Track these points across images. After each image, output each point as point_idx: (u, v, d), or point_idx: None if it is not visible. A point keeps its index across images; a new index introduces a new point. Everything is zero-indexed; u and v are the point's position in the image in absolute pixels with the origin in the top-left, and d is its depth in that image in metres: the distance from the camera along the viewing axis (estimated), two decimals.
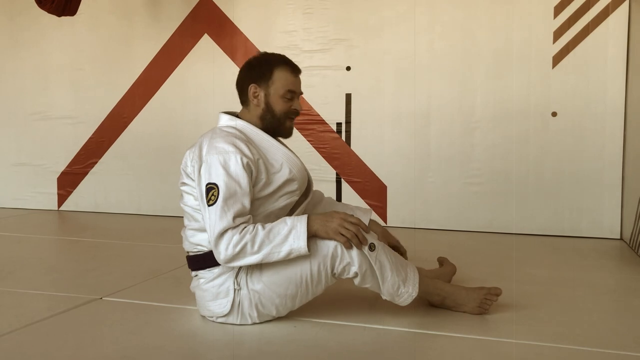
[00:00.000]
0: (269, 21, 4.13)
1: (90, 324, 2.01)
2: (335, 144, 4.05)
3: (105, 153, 4.56)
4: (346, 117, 4.02)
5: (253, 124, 2.04)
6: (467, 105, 3.77)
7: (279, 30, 4.11)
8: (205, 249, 1.97)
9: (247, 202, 1.86)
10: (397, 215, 3.94)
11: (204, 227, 1.92)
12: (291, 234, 1.81)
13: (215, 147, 1.89)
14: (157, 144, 4.39)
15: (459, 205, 3.82)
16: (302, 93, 2.11)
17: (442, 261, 2.50)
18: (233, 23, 4.21)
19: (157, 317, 2.08)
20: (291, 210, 2.12)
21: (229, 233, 1.81)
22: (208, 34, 4.27)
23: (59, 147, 4.66)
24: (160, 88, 4.39)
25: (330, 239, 1.83)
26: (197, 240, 1.98)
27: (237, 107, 2.14)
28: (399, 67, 3.88)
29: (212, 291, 1.95)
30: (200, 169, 1.89)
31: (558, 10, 3.58)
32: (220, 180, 1.84)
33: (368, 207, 2.38)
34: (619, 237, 3.55)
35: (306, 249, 1.81)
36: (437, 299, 2.09)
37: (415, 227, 3.91)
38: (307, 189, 2.19)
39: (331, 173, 4.05)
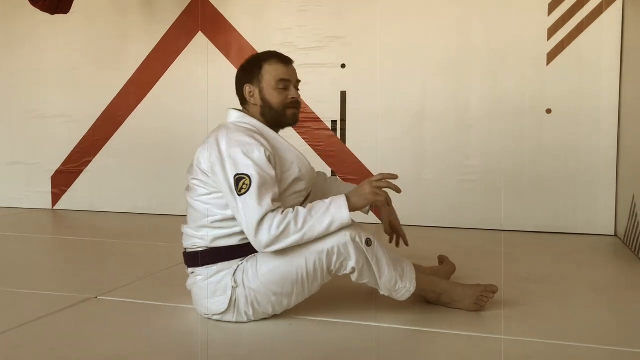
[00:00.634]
0: (263, 19, 4.12)
1: (85, 323, 2.00)
2: (330, 142, 4.05)
3: (99, 151, 4.55)
4: (341, 114, 4.01)
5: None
6: (462, 102, 3.77)
7: (273, 28, 4.10)
8: (204, 246, 1.96)
9: (277, 190, 1.87)
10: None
11: (209, 223, 1.92)
12: (332, 206, 1.83)
13: (236, 140, 1.89)
14: (152, 142, 4.37)
15: (454, 202, 3.82)
16: (299, 81, 2.09)
17: (442, 259, 2.50)
18: (227, 20, 4.20)
19: (152, 315, 2.07)
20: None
21: (270, 216, 1.81)
22: (202, 32, 4.25)
23: (53, 145, 4.64)
24: (155, 86, 4.38)
25: (370, 203, 1.89)
26: (197, 238, 1.97)
27: (231, 104, 2.14)
28: (393, 64, 3.87)
29: (210, 288, 1.95)
30: (225, 164, 1.87)
31: (552, 7, 3.59)
32: (250, 170, 1.84)
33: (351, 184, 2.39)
34: (613, 233, 3.57)
35: (349, 217, 1.82)
36: (433, 295, 2.09)
37: (411, 224, 3.91)
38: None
39: (326, 171, 4.04)
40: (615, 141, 3.53)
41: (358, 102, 3.97)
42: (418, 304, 2.11)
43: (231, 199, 1.86)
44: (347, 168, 4.02)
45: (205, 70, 4.20)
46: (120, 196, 4.50)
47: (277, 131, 2.08)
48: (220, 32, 4.21)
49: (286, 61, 2.05)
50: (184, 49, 4.29)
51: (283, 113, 2.03)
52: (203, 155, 1.94)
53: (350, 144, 4.01)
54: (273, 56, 2.05)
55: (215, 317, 1.97)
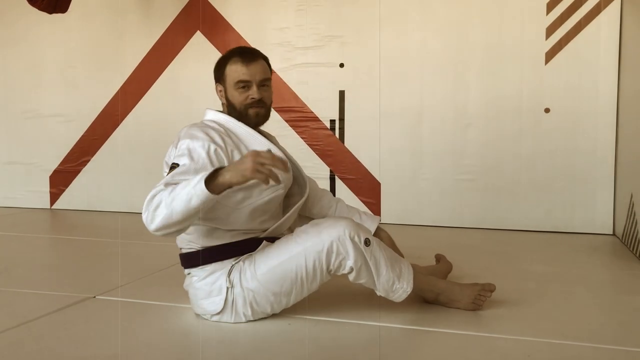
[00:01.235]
0: (261, 18, 4.12)
1: (84, 323, 2.00)
2: (328, 141, 4.05)
3: (97, 151, 4.54)
4: (340, 114, 4.01)
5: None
6: (460, 102, 3.77)
7: (271, 27, 4.10)
8: (198, 247, 1.97)
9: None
10: (391, 212, 3.95)
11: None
12: (197, 178, 1.66)
13: (189, 134, 1.91)
14: (150, 141, 4.37)
15: (453, 202, 3.83)
16: (265, 79, 2.03)
17: (439, 258, 2.50)
18: (225, 20, 4.20)
19: (150, 315, 2.07)
20: (286, 210, 2.11)
21: (158, 195, 1.71)
22: (200, 31, 4.25)
23: (51, 145, 4.64)
24: (153, 85, 4.38)
25: (247, 180, 1.65)
26: (189, 237, 1.98)
27: None
28: (392, 64, 3.87)
29: (205, 289, 1.95)
30: (173, 155, 1.90)
31: (550, 6, 3.59)
32: (181, 160, 1.83)
33: (374, 215, 2.36)
34: (611, 232, 3.57)
35: (204, 189, 1.62)
36: (431, 295, 2.09)
37: (409, 223, 3.92)
38: (301, 187, 2.18)
39: (325, 170, 4.05)
40: (613, 140, 3.53)
41: (356, 101, 3.97)
42: (416, 303, 2.11)
43: None
44: (345, 167, 4.02)
45: (203, 70, 4.18)
46: (119, 195, 4.50)
47: (256, 128, 2.07)
48: (219, 31, 4.20)
49: (248, 59, 2.01)
50: (182, 48, 4.29)
51: (245, 113, 2.02)
52: (169, 151, 1.98)
53: (348, 143, 4.01)
54: (235, 55, 2.04)
55: (213, 318, 1.97)
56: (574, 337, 1.83)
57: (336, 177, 4.04)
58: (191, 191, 1.64)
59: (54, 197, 4.67)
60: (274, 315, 1.99)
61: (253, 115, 2.03)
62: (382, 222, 3.90)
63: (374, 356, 1.71)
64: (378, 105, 3.92)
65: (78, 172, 4.60)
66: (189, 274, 2.01)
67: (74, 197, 4.62)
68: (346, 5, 3.94)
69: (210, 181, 1.66)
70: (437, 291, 2.08)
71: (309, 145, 4.07)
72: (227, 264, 1.94)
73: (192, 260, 1.98)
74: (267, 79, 2.05)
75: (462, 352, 1.73)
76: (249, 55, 2.04)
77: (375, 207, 3.96)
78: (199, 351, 1.76)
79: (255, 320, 1.96)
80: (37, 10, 3.93)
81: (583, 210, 3.62)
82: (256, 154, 1.66)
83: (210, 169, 1.74)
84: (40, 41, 4.61)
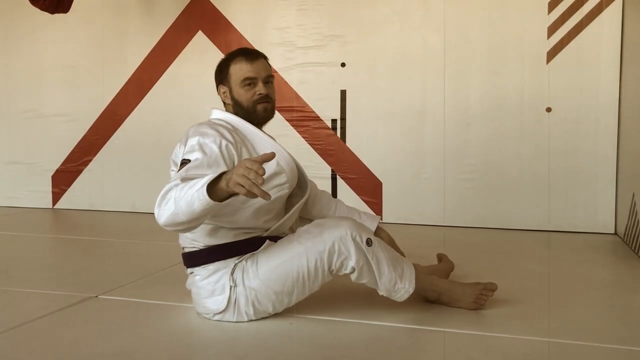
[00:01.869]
0: (263, 18, 4.12)
1: (86, 322, 2.01)
2: (330, 141, 4.05)
3: (99, 151, 4.55)
4: (341, 113, 4.01)
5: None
6: (462, 101, 3.77)
7: (273, 27, 4.10)
8: (201, 246, 1.97)
9: (209, 173, 1.70)
10: (393, 211, 3.94)
11: None
12: (203, 180, 1.61)
13: (199, 131, 1.91)
14: (152, 141, 4.37)
15: (454, 201, 3.82)
16: (269, 76, 2.06)
17: (440, 257, 2.50)
18: (227, 19, 4.20)
19: (152, 314, 2.07)
20: (287, 209, 2.12)
21: (172, 185, 1.68)
22: (202, 31, 4.25)
23: (53, 145, 4.64)
24: (155, 85, 4.38)
25: (233, 192, 1.57)
26: (192, 236, 1.98)
27: None
28: (393, 63, 3.87)
29: (208, 288, 1.95)
30: (184, 151, 1.90)
31: (552, 5, 3.59)
32: (193, 155, 1.82)
33: (375, 214, 2.37)
34: (613, 232, 3.57)
35: (205, 195, 1.57)
36: (432, 294, 2.09)
37: (411, 223, 3.92)
38: (302, 187, 2.19)
39: (326, 169, 4.05)
40: (615, 139, 3.53)
41: (358, 100, 3.97)
42: (418, 303, 2.11)
43: None
44: (346, 167, 4.02)
45: (205, 69, 4.19)
46: (120, 195, 4.50)
47: (260, 127, 2.08)
48: (220, 31, 4.21)
49: (251, 58, 2.04)
50: (183, 48, 4.29)
51: (253, 110, 2.04)
52: (176, 149, 1.98)
53: (350, 142, 4.01)
54: (238, 54, 2.06)
55: (215, 317, 1.97)
56: (575, 336, 1.83)
57: (337, 176, 4.04)
58: (194, 194, 1.59)
59: (56, 197, 4.68)
60: (275, 315, 1.99)
61: (262, 110, 2.04)
62: (383, 221, 3.91)
63: (375, 355, 1.71)
64: (380, 105, 3.92)
65: (80, 171, 4.61)
66: (191, 273, 2.01)
67: (75, 196, 4.63)
68: (347, 4, 3.94)
69: (214, 186, 1.60)
70: (439, 290, 2.09)
71: (310, 144, 4.07)
72: (230, 262, 1.94)
73: (195, 259, 1.98)
74: (271, 76, 2.08)
75: (464, 351, 1.73)
76: (252, 53, 2.07)
77: (376, 206, 3.96)
78: (201, 350, 1.76)
79: (257, 320, 1.97)
80: (39, 10, 3.93)
81: (585, 210, 3.61)
82: (240, 164, 1.55)
83: (219, 168, 1.75)
84: (42, 41, 4.61)
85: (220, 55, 4.25)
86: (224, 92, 2.08)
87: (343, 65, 3.99)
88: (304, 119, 4.07)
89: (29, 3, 3.89)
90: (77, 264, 2.89)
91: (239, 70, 2.03)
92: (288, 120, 4.07)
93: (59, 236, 3.74)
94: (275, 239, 2.00)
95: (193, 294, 2.02)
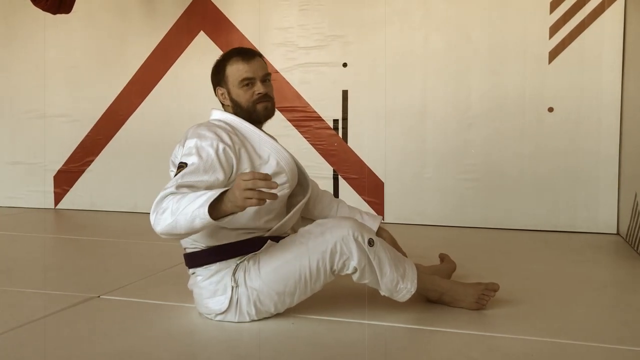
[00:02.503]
0: (264, 18, 4.12)
1: (88, 323, 2.01)
2: (331, 141, 4.05)
3: (101, 151, 4.55)
4: (343, 113, 4.01)
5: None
6: (463, 101, 3.77)
7: (274, 27, 4.10)
8: (202, 246, 1.97)
9: (205, 178, 1.78)
10: (394, 211, 3.94)
11: None
12: (204, 198, 1.62)
13: (197, 133, 1.92)
14: (154, 142, 4.37)
15: (455, 201, 3.82)
16: (267, 74, 2.06)
17: (442, 257, 2.50)
18: (229, 20, 4.20)
19: (154, 315, 2.08)
20: (288, 209, 2.12)
21: (169, 196, 1.70)
22: (204, 31, 4.26)
23: (55, 145, 4.65)
24: (157, 85, 4.38)
25: (243, 209, 1.62)
26: (194, 237, 1.98)
27: None
28: (394, 63, 3.87)
29: (210, 288, 1.95)
30: (182, 153, 1.91)
31: (554, 5, 3.58)
32: (190, 159, 1.84)
33: (376, 214, 2.37)
34: (615, 232, 3.56)
35: (206, 214, 1.60)
36: (434, 294, 2.09)
37: (412, 223, 3.91)
38: (303, 187, 2.19)
39: (328, 170, 4.05)
40: (617, 139, 3.53)
41: (359, 101, 3.97)
42: (420, 303, 2.11)
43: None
44: (348, 167, 4.02)
45: (207, 69, 4.19)
46: (122, 196, 4.51)
47: (259, 126, 2.07)
48: (222, 31, 4.21)
49: (247, 57, 2.03)
50: (185, 48, 4.29)
51: (253, 109, 2.04)
52: (176, 150, 1.99)
53: (351, 142, 4.01)
54: (234, 55, 2.05)
55: (217, 318, 1.97)
56: (577, 337, 1.83)
57: (339, 176, 4.04)
58: (195, 212, 1.62)
59: (58, 197, 4.69)
60: (277, 315, 1.99)
61: (262, 109, 2.04)
62: (385, 221, 3.91)
63: (377, 355, 1.71)
64: (381, 105, 3.92)
65: (82, 172, 4.61)
66: (193, 273, 2.01)
67: (77, 197, 4.63)
68: (349, 4, 3.94)
69: (215, 204, 1.62)
70: (441, 291, 2.09)
71: (312, 144, 4.07)
72: (231, 263, 1.94)
73: (196, 259, 1.98)
74: (268, 74, 2.08)
75: (465, 351, 1.73)
76: (248, 53, 2.06)
77: (378, 206, 3.96)
78: (203, 350, 1.76)
79: (259, 320, 1.97)
80: (41, 11, 3.94)
81: (586, 210, 3.61)
82: (237, 184, 1.58)
83: (215, 173, 1.78)
84: (44, 41, 4.61)
85: None
86: (222, 94, 2.08)
87: (344, 65, 3.99)
88: (305, 119, 4.07)
89: (31, 4, 3.90)
90: (79, 264, 2.89)
91: (236, 71, 2.02)
92: (290, 121, 4.08)
93: (60, 236, 3.75)
94: (276, 239, 2.00)
95: (195, 295, 2.02)
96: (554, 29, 3.59)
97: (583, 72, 3.55)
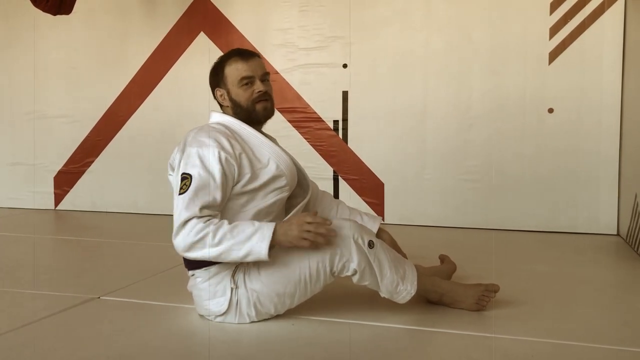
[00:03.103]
0: (265, 19, 4.13)
1: (88, 324, 2.01)
2: (332, 142, 4.05)
3: (101, 152, 4.55)
4: (343, 114, 4.01)
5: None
6: (464, 101, 3.77)
7: (274, 28, 4.10)
8: None
9: (218, 196, 1.86)
10: (394, 212, 3.94)
11: None
12: (255, 235, 1.79)
13: (197, 140, 1.92)
14: (154, 142, 4.38)
15: (456, 202, 3.82)
16: (266, 73, 2.06)
17: (443, 258, 2.50)
18: (229, 21, 4.20)
19: (154, 316, 2.08)
20: (288, 211, 2.12)
21: (193, 221, 1.81)
22: (204, 32, 4.26)
23: (55, 146, 4.65)
24: (157, 86, 4.38)
25: (293, 246, 1.82)
26: None
27: None
28: (395, 64, 3.87)
29: (209, 290, 1.95)
30: (181, 162, 1.92)
31: (554, 6, 3.59)
32: (194, 170, 1.86)
33: (376, 215, 2.38)
34: (615, 233, 3.56)
35: (267, 254, 1.78)
36: (434, 296, 2.09)
37: (412, 224, 3.91)
38: (303, 188, 2.19)
39: (328, 171, 4.05)
40: (617, 140, 3.53)
41: (359, 101, 3.97)
42: (420, 304, 2.11)
43: (174, 195, 1.90)
44: (348, 168, 4.02)
45: (207, 70, 4.19)
46: (123, 196, 4.51)
47: (258, 128, 2.08)
48: (222, 32, 4.21)
49: (246, 57, 2.04)
50: (185, 49, 4.30)
51: (253, 109, 2.03)
52: (174, 153, 2.00)
53: (351, 143, 4.01)
54: (232, 55, 2.06)
55: (217, 319, 1.97)
56: (577, 338, 1.83)
57: (339, 177, 4.04)
58: (254, 249, 1.77)
59: (58, 198, 4.69)
60: (277, 316, 1.99)
61: (261, 109, 2.04)
62: (385, 222, 3.91)
63: (377, 356, 1.71)
64: (381, 106, 3.92)
65: (82, 172, 4.61)
66: (192, 275, 2.01)
67: (78, 197, 4.63)
68: (349, 5, 3.94)
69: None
70: (441, 292, 2.08)
71: (312, 145, 4.07)
72: (231, 264, 1.94)
73: (196, 261, 1.98)
74: (267, 73, 2.08)
75: (465, 352, 1.73)
76: (246, 53, 2.06)
77: (378, 207, 3.96)
78: (203, 352, 1.76)
79: (258, 321, 1.97)
80: (41, 11, 3.94)
81: (587, 210, 3.61)
82: (301, 220, 1.79)
83: (227, 187, 1.88)
84: (45, 42, 4.62)
85: None
86: (221, 95, 2.08)
87: (345, 66, 3.99)
88: (305, 120, 4.07)
89: (32, 4, 3.90)
90: (80, 265, 2.89)
91: (235, 70, 2.02)
92: (290, 121, 4.08)
93: (61, 237, 3.75)
94: None
95: (194, 296, 2.02)
96: (554, 30, 3.59)
97: (583, 73, 3.55)
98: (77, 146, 4.61)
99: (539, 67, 3.62)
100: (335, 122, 4.03)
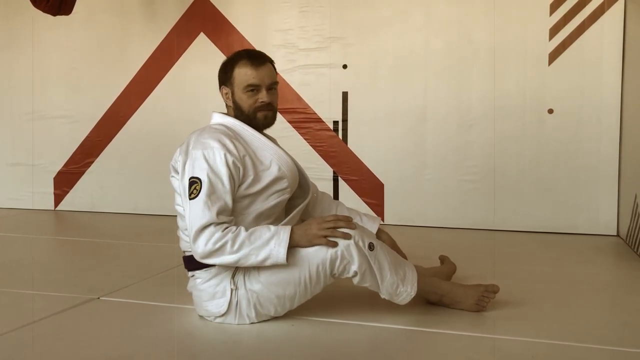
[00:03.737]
0: (265, 19, 4.13)
1: (88, 324, 2.01)
2: (331, 142, 4.05)
3: (101, 152, 4.55)
4: (343, 115, 4.01)
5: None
6: (464, 102, 3.77)
7: (274, 29, 4.11)
8: None
9: (229, 200, 1.87)
10: (394, 212, 3.94)
11: None
12: (273, 239, 1.82)
13: (202, 142, 1.91)
14: (154, 143, 4.38)
15: (456, 203, 3.82)
16: (273, 83, 2.04)
17: (443, 259, 2.50)
18: (229, 21, 4.20)
19: (154, 316, 2.08)
20: (288, 212, 2.12)
21: (211, 228, 1.82)
22: (204, 33, 4.26)
23: (55, 146, 4.65)
24: (157, 87, 4.38)
25: (313, 246, 1.84)
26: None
27: None
28: (395, 64, 3.87)
29: (209, 291, 1.95)
30: (185, 164, 1.91)
31: (554, 7, 3.59)
32: (203, 174, 1.86)
33: (375, 216, 2.38)
34: (615, 233, 3.56)
35: (285, 257, 1.81)
36: (434, 296, 2.09)
37: (412, 224, 3.91)
38: (304, 189, 2.19)
39: (328, 171, 4.05)
40: (617, 141, 3.53)
41: (359, 102, 3.97)
42: (420, 304, 2.11)
43: (184, 200, 1.91)
44: (348, 168, 4.02)
45: (207, 71, 4.20)
46: (122, 197, 4.50)
47: (260, 130, 2.07)
48: (222, 33, 4.21)
49: (257, 64, 2.01)
50: (185, 50, 4.30)
51: (254, 116, 2.03)
52: (177, 155, 1.99)
53: (351, 144, 4.01)
54: (244, 57, 2.03)
55: (217, 320, 1.97)
56: (577, 338, 1.83)
57: (339, 178, 4.04)
58: (272, 253, 1.81)
59: (58, 199, 4.68)
60: (277, 317, 1.99)
61: (262, 118, 2.04)
62: (385, 223, 3.91)
63: (377, 357, 1.71)
64: (381, 106, 3.92)
65: (82, 173, 4.61)
66: (192, 276, 2.01)
67: (78, 198, 4.63)
68: (349, 6, 3.94)
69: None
70: (441, 292, 2.08)
71: (312, 146, 4.07)
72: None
73: (196, 262, 1.97)
74: (275, 83, 2.06)
75: (465, 353, 1.73)
76: (258, 59, 2.03)
77: (378, 208, 3.96)
78: (203, 352, 1.76)
79: (258, 322, 1.97)
80: (41, 12, 3.94)
81: (587, 211, 3.61)
82: (320, 220, 1.85)
83: (234, 196, 1.89)
84: (45, 43, 4.62)
85: (222, 57, 4.25)
86: (225, 93, 2.07)
87: (345, 67, 3.99)
88: (305, 121, 4.07)
89: (32, 5, 3.90)
90: (79, 266, 2.89)
91: (244, 75, 2.01)
92: (290, 122, 4.08)
93: (61, 238, 3.75)
94: None
95: (194, 297, 2.02)
96: (554, 31, 3.59)
97: (583, 74, 3.55)
98: (77, 146, 4.61)
99: (538, 68, 3.62)
100: (335, 122, 4.03)
